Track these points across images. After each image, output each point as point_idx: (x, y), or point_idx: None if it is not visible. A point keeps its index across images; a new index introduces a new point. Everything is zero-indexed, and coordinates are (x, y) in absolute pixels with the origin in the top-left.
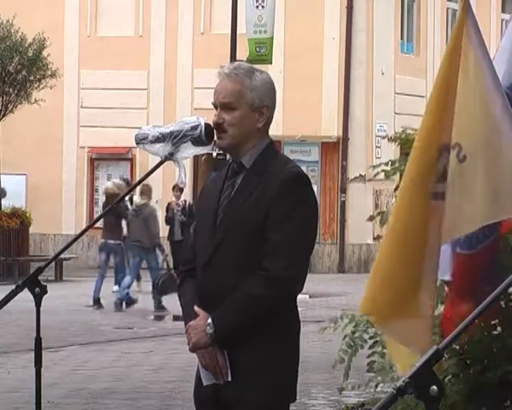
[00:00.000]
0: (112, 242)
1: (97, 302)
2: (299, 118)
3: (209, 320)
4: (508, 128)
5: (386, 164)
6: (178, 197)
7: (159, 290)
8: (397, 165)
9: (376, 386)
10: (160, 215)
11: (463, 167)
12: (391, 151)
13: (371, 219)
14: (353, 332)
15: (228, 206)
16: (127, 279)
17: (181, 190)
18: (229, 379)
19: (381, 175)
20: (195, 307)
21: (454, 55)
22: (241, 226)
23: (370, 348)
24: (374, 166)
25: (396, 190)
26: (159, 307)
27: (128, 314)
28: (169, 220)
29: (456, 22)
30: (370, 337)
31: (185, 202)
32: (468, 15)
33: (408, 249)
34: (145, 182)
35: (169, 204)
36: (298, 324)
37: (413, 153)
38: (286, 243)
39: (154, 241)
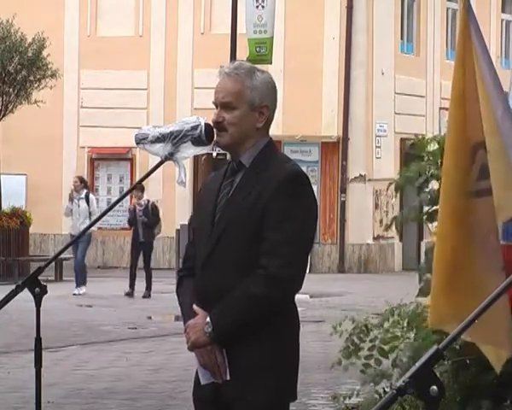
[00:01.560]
0: None
1: None
2: (299, 118)
3: (207, 319)
4: (508, 128)
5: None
6: (140, 197)
7: None
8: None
9: (375, 383)
10: None
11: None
12: (391, 151)
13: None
14: (351, 334)
15: (226, 205)
16: None
17: (142, 189)
18: (228, 378)
19: (382, 175)
20: (194, 306)
21: (465, 57)
22: (239, 225)
23: (369, 350)
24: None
25: (397, 190)
26: None
27: (128, 314)
28: (131, 222)
29: (460, 24)
30: (370, 340)
31: (148, 202)
32: (468, 16)
33: (461, 252)
34: None
35: (131, 205)
36: (297, 323)
37: (446, 157)
38: (285, 242)
39: None
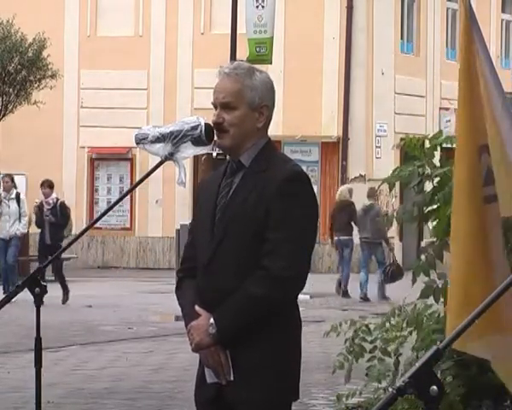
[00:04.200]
0: (344, 237)
1: (345, 294)
2: (299, 118)
3: (211, 320)
4: (507, 128)
5: (390, 176)
6: (48, 195)
7: (388, 279)
8: (396, 171)
9: (379, 381)
10: None
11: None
12: (391, 151)
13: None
14: (353, 338)
15: (226, 205)
16: (362, 275)
17: (50, 186)
18: (231, 379)
19: (382, 174)
20: (197, 307)
21: (469, 57)
22: (239, 226)
23: (370, 352)
24: (381, 183)
25: (391, 188)
26: (383, 296)
27: (128, 314)
28: (38, 222)
29: (462, 25)
30: (370, 342)
31: (56, 200)
32: (469, 17)
33: (477, 261)
34: (371, 186)
35: (39, 203)
36: (299, 323)
37: (455, 159)
38: (287, 242)
39: (383, 236)
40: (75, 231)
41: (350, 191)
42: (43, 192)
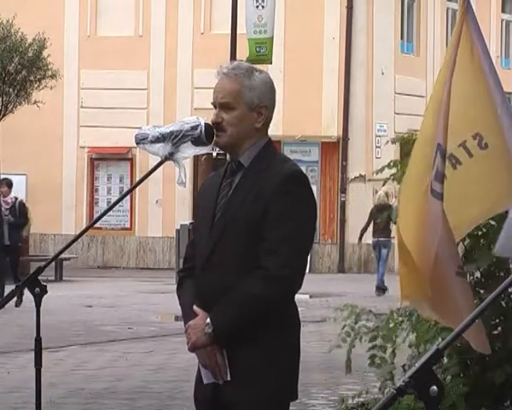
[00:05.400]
0: (383, 239)
1: (381, 290)
2: (299, 118)
3: (208, 320)
4: (507, 125)
5: (389, 166)
6: (6, 194)
7: None
8: (399, 167)
9: (382, 378)
10: None
11: (485, 154)
12: (391, 151)
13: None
14: (356, 322)
15: (225, 205)
16: None
17: (8, 184)
18: (228, 378)
19: (382, 175)
20: (194, 307)
21: (454, 57)
22: (238, 225)
23: (371, 341)
24: (378, 170)
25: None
26: None
27: (128, 314)
28: None
29: (457, 23)
30: (371, 331)
31: (15, 199)
32: (468, 16)
33: (420, 243)
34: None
35: None
36: (297, 322)
37: (413, 150)
38: (284, 242)
39: None
40: (75, 231)
41: (387, 194)
42: (0, 191)
